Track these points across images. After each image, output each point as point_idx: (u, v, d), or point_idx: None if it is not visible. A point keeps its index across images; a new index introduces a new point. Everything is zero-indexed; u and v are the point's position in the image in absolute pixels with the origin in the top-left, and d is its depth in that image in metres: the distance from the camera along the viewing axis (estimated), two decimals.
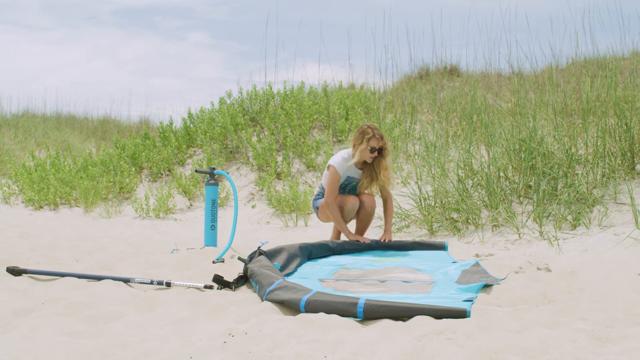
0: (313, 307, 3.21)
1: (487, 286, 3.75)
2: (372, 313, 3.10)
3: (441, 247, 5.07)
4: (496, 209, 5.70)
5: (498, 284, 3.78)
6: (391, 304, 3.11)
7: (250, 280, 3.88)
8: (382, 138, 5.09)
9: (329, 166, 5.25)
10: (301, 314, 3.19)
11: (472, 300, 3.36)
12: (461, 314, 3.03)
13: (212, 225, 5.43)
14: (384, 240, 5.16)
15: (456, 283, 3.84)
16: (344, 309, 3.14)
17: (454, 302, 3.30)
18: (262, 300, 3.51)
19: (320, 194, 5.46)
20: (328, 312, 3.16)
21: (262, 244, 4.63)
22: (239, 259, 4.39)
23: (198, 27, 28.03)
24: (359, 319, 3.13)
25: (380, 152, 5.15)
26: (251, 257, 4.27)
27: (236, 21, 27.31)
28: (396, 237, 5.98)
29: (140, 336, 2.85)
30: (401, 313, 3.08)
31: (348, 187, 5.35)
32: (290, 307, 3.34)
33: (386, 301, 3.15)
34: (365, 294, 3.51)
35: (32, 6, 29.33)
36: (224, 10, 29.00)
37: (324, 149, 8.69)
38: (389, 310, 3.09)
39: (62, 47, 27.09)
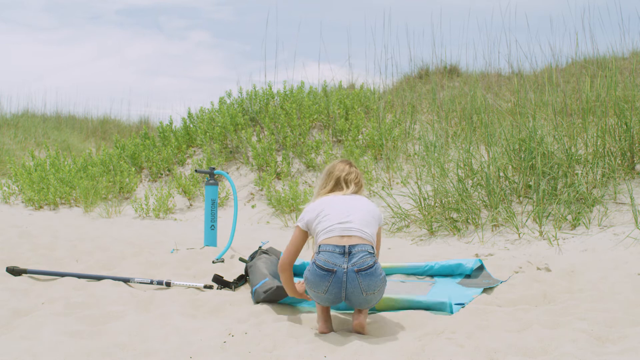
0: (264, 298, 3.42)
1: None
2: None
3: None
4: (496, 208, 5.69)
5: (499, 285, 3.78)
6: None
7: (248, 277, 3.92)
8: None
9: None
10: (301, 314, 3.19)
11: (463, 305, 3.35)
12: (442, 307, 3.14)
13: (212, 225, 5.43)
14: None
15: (458, 284, 3.84)
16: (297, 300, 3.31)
17: (442, 302, 3.32)
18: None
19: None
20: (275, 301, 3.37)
21: (262, 244, 4.62)
22: (240, 259, 4.39)
23: (200, 27, 28.03)
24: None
25: None
26: (252, 257, 4.27)
27: (239, 21, 27.30)
28: (395, 236, 5.97)
29: (140, 336, 2.85)
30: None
31: None
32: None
33: None
34: None
35: (35, 6, 29.31)
36: (228, 10, 28.97)
37: (323, 149, 8.69)
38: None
39: (66, 47, 27.06)
